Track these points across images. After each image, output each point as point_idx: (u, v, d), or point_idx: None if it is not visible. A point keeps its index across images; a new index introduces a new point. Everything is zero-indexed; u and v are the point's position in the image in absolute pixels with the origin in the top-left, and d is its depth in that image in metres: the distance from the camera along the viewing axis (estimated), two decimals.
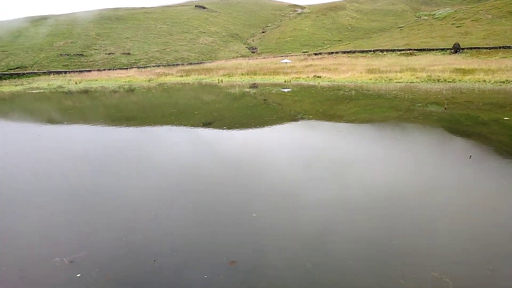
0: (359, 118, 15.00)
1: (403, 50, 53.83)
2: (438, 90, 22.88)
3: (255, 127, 13.80)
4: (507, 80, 25.15)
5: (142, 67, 59.37)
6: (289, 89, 27.14)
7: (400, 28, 74.67)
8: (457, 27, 63.75)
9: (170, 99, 24.92)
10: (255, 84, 32.60)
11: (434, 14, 77.92)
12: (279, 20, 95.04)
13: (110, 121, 16.69)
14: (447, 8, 79.12)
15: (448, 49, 50.09)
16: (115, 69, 56.76)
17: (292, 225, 5.62)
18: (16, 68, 59.78)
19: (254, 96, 24.52)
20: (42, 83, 40.02)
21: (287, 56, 59.70)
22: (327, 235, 5.31)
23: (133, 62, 64.11)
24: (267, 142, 11.52)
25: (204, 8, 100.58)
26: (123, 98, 27.14)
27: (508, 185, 6.86)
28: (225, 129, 13.50)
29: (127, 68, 57.05)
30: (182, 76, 42.55)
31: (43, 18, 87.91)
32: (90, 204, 6.65)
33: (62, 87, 35.91)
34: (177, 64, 61.58)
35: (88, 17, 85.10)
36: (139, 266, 4.57)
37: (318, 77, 33.84)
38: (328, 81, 31.16)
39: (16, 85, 39.05)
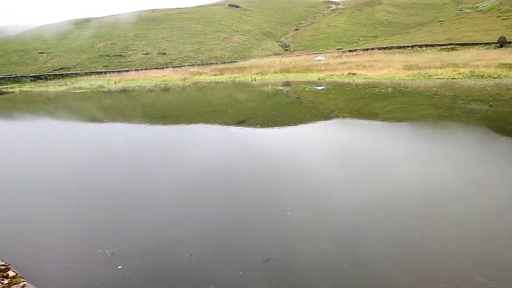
0: (396, 116, 14.52)
1: (443, 45, 51.49)
2: (482, 86, 21.69)
3: (288, 125, 13.73)
4: None
5: (177, 66, 60.74)
6: (322, 87, 26.77)
7: (441, 22, 71.45)
8: (503, 19, 60.02)
9: (204, 98, 25.33)
10: (288, 82, 32.44)
11: (478, 6, 73.87)
12: (313, 17, 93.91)
13: (147, 119, 17.23)
14: (492, 0, 74.76)
15: (493, 43, 47.34)
16: (151, 69, 58.47)
17: (327, 225, 5.55)
18: (60, 69, 63.10)
19: (287, 94, 24.41)
20: (84, 83, 41.97)
21: (320, 53, 58.89)
22: (362, 235, 5.20)
23: (168, 62, 65.76)
24: (301, 140, 11.43)
25: (237, 7, 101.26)
26: (159, 97, 27.91)
27: None
28: (258, 127, 13.54)
29: (163, 68, 58.61)
30: (216, 75, 43.11)
31: (87, 21, 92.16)
32: (129, 199, 6.91)
33: (102, 86, 37.49)
34: (211, 63, 62.48)
35: (128, 19, 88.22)
36: (176, 260, 4.69)
37: (353, 74, 33.13)
38: (363, 79, 30.42)
39: (60, 85, 41.21)
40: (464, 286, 3.99)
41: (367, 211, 5.92)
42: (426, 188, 6.82)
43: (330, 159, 9.04)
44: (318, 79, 32.53)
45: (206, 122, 14.98)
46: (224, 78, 40.08)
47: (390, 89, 22.54)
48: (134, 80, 43.52)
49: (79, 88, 37.16)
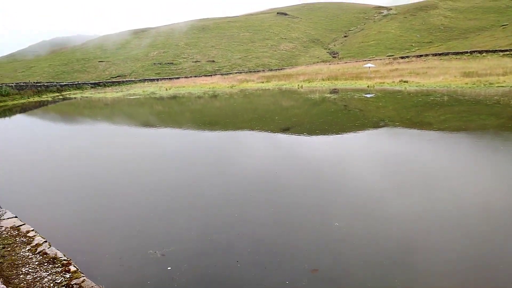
0: (452, 126, 13.70)
1: (506, 50, 47.87)
2: None
3: (336, 133, 13.48)
4: None
5: (225, 73, 62.18)
6: (372, 95, 26.01)
7: (503, 26, 66.59)
8: None
9: (250, 105, 25.64)
10: (335, 89, 31.91)
11: None
12: (363, 23, 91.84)
13: (195, 125, 17.77)
14: None
15: None
16: (201, 76, 60.36)
17: (377, 237, 5.34)
18: (117, 76, 67.17)
19: (334, 101, 24.01)
20: (138, 90, 44.28)
21: (370, 60, 57.32)
22: (414, 250, 4.93)
23: (216, 69, 67.53)
24: (349, 149, 11.15)
25: (285, 14, 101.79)
26: (207, 103, 28.69)
27: None
28: (305, 134, 13.43)
29: (211, 75, 60.28)
30: (263, 82, 43.50)
31: (142, 31, 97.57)
32: (179, 202, 7.14)
33: (154, 93, 39.31)
34: (258, 71, 63.20)
35: (181, 28, 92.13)
36: (223, 265, 4.75)
37: (404, 81, 31.84)
38: (416, 86, 29.11)
39: (116, 92, 43.81)
40: None
41: (419, 226, 5.62)
42: (484, 203, 6.34)
43: (380, 170, 8.72)
44: (367, 86, 31.66)
45: (252, 128, 15.13)
46: (270, 85, 40.32)
47: (445, 98, 21.35)
48: (184, 87, 45.15)
49: (133, 94, 39.26)
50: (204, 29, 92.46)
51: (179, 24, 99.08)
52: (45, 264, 4.28)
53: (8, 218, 5.63)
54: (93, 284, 3.87)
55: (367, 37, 77.75)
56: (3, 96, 35.44)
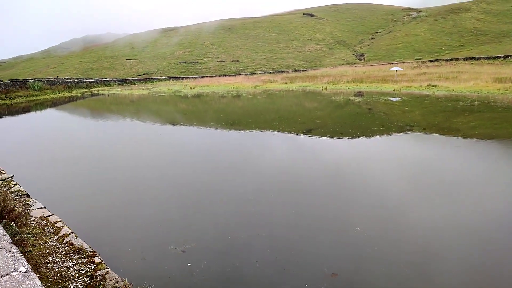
0: (482, 133, 13.22)
1: None
2: None
3: (359, 136, 13.27)
4: None
5: (249, 74, 62.43)
6: (398, 98, 25.46)
7: None
8: None
9: (273, 105, 25.63)
10: (360, 92, 31.44)
11: None
12: (391, 26, 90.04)
13: (218, 124, 17.93)
14: None
15: None
16: (225, 76, 60.85)
17: (398, 244, 5.23)
18: (144, 74, 68.68)
19: (358, 104, 23.65)
20: (163, 88, 45.09)
21: (397, 63, 56.12)
22: (435, 257, 4.79)
23: (241, 69, 67.88)
24: (373, 153, 10.96)
25: (312, 15, 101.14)
26: (230, 103, 28.89)
27: None
28: (328, 137, 13.30)
29: (235, 75, 60.66)
30: (287, 83, 43.39)
31: (172, 30, 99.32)
32: (200, 200, 7.23)
33: (179, 91, 39.94)
34: (282, 71, 63.10)
35: (209, 27, 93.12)
36: (242, 264, 4.77)
37: (433, 86, 30.99)
38: (445, 91, 28.28)
39: (142, 89, 44.80)
40: None
41: (441, 233, 5.46)
42: (510, 215, 6.09)
43: (405, 175, 8.52)
44: (394, 90, 31.02)
45: (275, 129, 15.11)
46: (294, 86, 40.17)
47: (476, 103, 20.64)
48: (208, 86, 45.63)
49: (158, 92, 40.02)
50: (230, 29, 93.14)
51: (208, 23, 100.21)
52: (71, 254, 4.43)
53: (37, 209, 5.86)
54: (116, 276, 3.97)
55: (395, 40, 76.17)
56: (36, 90, 36.91)
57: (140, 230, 5.93)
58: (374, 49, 75.18)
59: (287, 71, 62.81)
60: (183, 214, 6.51)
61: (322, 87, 37.02)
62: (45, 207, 5.95)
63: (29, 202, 6.11)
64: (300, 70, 62.99)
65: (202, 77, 60.50)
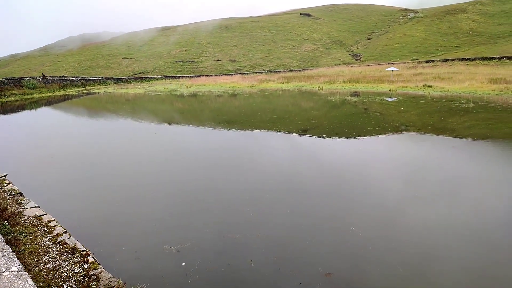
0: (477, 134, 13.30)
1: None
2: None
3: (355, 136, 13.30)
4: None
5: (245, 73, 62.34)
6: (393, 99, 25.55)
7: None
8: None
9: (269, 105, 25.62)
10: (356, 92, 31.51)
11: None
12: (387, 26, 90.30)
13: (214, 124, 17.89)
14: None
15: None
16: (221, 75, 60.73)
17: (392, 243, 5.25)
18: (140, 73, 68.39)
19: (354, 104, 23.70)
20: (159, 87, 44.93)
21: (393, 63, 56.31)
22: (432, 259, 4.82)
23: (237, 69, 67.80)
24: (368, 153, 10.99)
25: (309, 15, 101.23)
26: (226, 102, 28.84)
27: None
28: (324, 137, 13.32)
29: (232, 74, 60.54)
30: (283, 83, 43.39)
31: (169, 28, 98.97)
32: (195, 200, 7.22)
33: (175, 90, 39.81)
34: (278, 71, 63.09)
35: (207, 26, 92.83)
36: (237, 264, 4.77)
37: (428, 86, 31.13)
38: (441, 91, 28.42)
39: (138, 88, 44.61)
40: None
41: (436, 233, 5.48)
42: (508, 215, 6.12)
43: (400, 175, 8.56)
44: (389, 90, 31.13)
45: (271, 129, 15.11)
46: (291, 86, 40.18)
47: (471, 104, 20.76)
48: (204, 85, 45.53)
49: (155, 91, 39.87)
50: (227, 28, 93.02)
51: (205, 22, 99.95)
52: (65, 254, 4.40)
53: (31, 208, 5.82)
54: (110, 275, 3.95)
55: (391, 40, 76.40)
56: (30, 89, 36.67)
57: (134, 230, 5.91)
58: (371, 49, 75.38)
59: (284, 71, 62.80)
60: (177, 213, 6.50)
61: (319, 87, 37.06)
62: (38, 206, 5.91)
63: (22, 201, 6.07)
64: (297, 70, 63.01)
65: (199, 76, 60.33)
